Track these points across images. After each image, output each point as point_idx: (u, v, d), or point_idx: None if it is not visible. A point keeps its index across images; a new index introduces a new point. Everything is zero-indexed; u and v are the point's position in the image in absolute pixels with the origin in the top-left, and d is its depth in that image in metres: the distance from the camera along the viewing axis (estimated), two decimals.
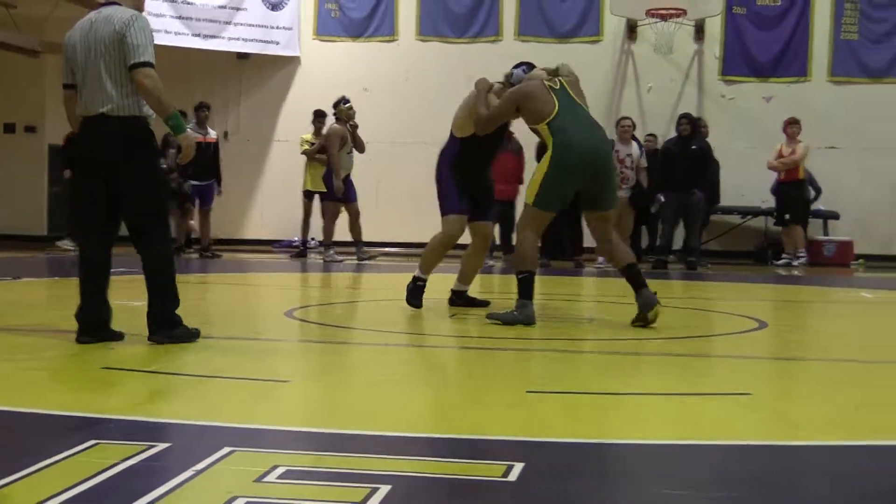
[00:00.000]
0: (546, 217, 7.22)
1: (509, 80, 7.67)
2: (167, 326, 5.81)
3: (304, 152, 14.93)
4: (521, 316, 7.02)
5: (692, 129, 14.33)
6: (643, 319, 7.00)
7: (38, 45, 15.83)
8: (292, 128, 16.78)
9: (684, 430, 4.02)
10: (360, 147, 14.26)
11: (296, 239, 16.11)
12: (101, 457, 3.28)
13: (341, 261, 14.26)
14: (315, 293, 11.26)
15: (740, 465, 3.52)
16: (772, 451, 3.70)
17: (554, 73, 7.44)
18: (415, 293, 7.86)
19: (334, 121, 14.17)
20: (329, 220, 14.48)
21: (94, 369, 5.13)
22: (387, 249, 16.73)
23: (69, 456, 3.29)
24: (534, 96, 7.22)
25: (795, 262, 14.91)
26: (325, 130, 14.46)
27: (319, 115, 15.08)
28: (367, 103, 17.13)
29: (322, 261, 14.35)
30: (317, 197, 14.92)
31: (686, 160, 14.05)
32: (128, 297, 7.05)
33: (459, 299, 8.07)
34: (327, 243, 14.53)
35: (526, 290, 7.06)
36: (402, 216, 16.79)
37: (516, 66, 7.72)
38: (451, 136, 7.82)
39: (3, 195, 17.58)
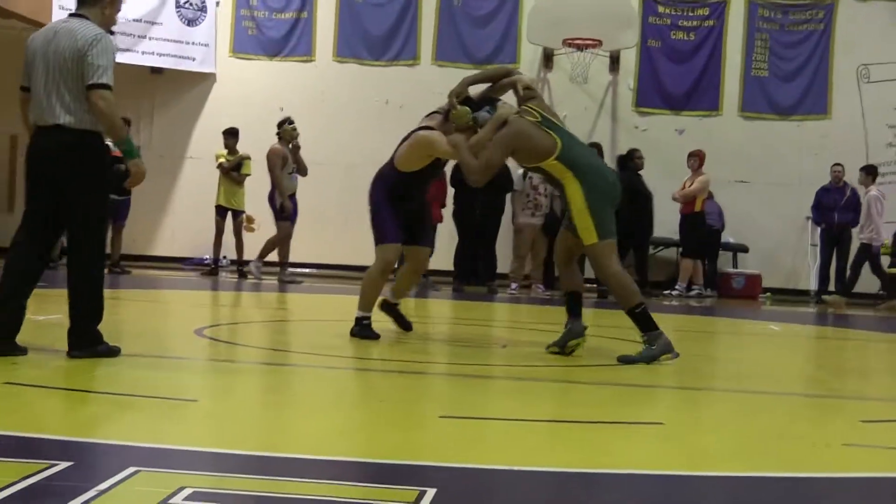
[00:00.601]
0: (615, 244, 6.87)
1: (456, 115, 7.19)
2: (90, 343, 5.72)
3: (219, 166, 14.76)
4: (662, 346, 6.72)
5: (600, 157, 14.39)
6: (561, 346, 6.98)
7: None
8: (206, 144, 16.58)
9: (595, 459, 4.02)
10: (303, 170, 14.07)
11: (207, 257, 15.90)
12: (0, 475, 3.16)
13: (301, 282, 14.05)
14: (226, 312, 11.11)
15: (649, 495, 3.53)
16: (680, 481, 3.71)
17: (522, 100, 7.07)
18: (364, 332, 7.41)
19: (277, 140, 13.96)
20: (284, 239, 14.22)
21: None
22: (300, 270, 16.59)
23: None
24: (527, 135, 6.84)
25: (684, 293, 15.05)
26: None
27: (231, 134, 14.95)
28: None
29: (278, 281, 14.04)
30: (229, 214, 14.76)
31: None
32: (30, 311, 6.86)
33: (390, 310, 7.88)
34: (284, 262, 14.29)
35: (649, 322, 6.75)
36: (315, 236, 16.68)
37: (478, 109, 7.14)
38: (391, 164, 7.50)
39: None
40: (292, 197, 14.05)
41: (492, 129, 6.95)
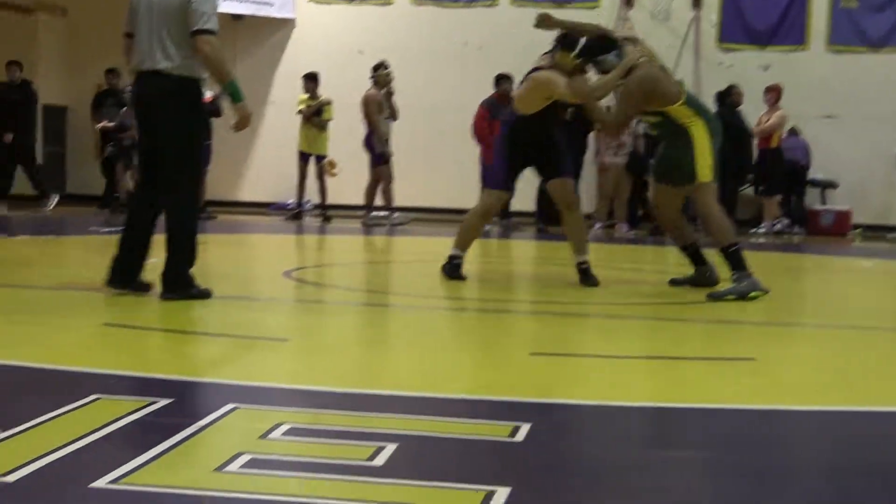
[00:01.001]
0: (716, 186, 7.06)
1: (561, 58, 7.01)
2: (182, 286, 5.82)
3: (299, 111, 14.84)
4: (751, 283, 6.69)
5: None
6: (699, 283, 7.05)
7: (31, 2, 15.66)
8: (287, 90, 16.64)
9: (687, 393, 4.00)
10: (395, 114, 14.09)
11: (290, 201, 16.02)
12: (104, 411, 3.24)
13: (406, 222, 14.15)
14: (312, 254, 11.21)
15: (743, 429, 3.51)
16: (774, 415, 3.68)
17: (634, 41, 7.10)
18: (453, 271, 7.33)
19: (371, 85, 13.99)
20: (384, 182, 14.27)
21: (96, 325, 5.10)
22: (381, 213, 16.66)
23: (71, 410, 3.25)
24: (660, 80, 6.89)
25: (771, 231, 14.75)
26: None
27: (311, 78, 14.98)
28: (361, 67, 17.03)
29: (388, 225, 14.14)
30: (312, 159, 14.85)
31: None
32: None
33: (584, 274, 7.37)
34: (391, 208, 14.35)
35: (741, 262, 6.76)
36: (396, 180, 16.74)
37: (605, 53, 6.97)
38: (513, 111, 7.33)
39: None
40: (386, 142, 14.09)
41: (620, 74, 6.89)
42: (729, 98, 14.48)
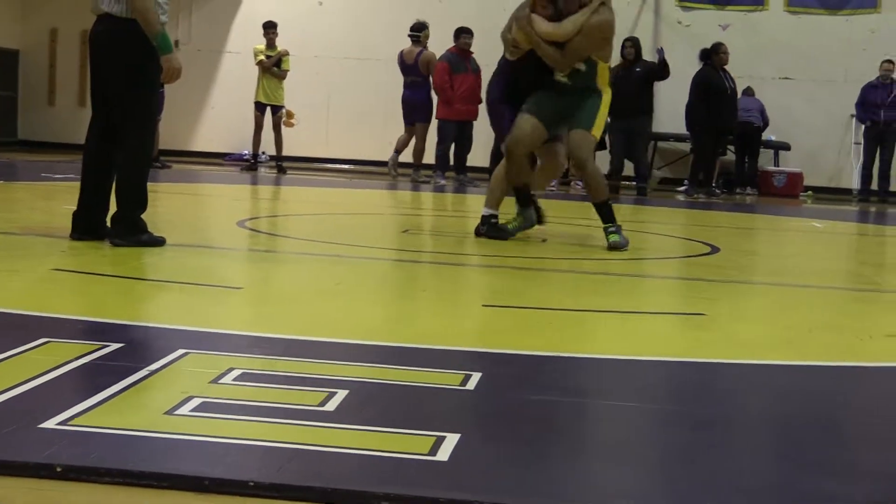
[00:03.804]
0: None
1: None
2: (132, 231, 5.77)
3: (258, 62, 14.72)
4: (623, 238, 6.94)
5: (636, 52, 14.14)
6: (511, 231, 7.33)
7: None
8: (245, 39, 16.50)
9: (638, 346, 4.03)
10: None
11: (246, 152, 15.93)
12: (54, 354, 3.22)
13: (442, 183, 14.17)
14: (266, 205, 11.16)
15: (690, 381, 3.56)
16: (722, 368, 3.73)
17: None
18: (495, 230, 7.32)
19: (412, 44, 14.30)
20: (420, 140, 14.36)
21: (45, 270, 5.05)
22: (336, 166, 16.61)
23: (20, 353, 3.22)
24: (614, 31, 7.09)
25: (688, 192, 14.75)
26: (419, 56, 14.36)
27: (270, 27, 14.88)
28: (320, 18, 16.91)
29: (413, 181, 14.22)
30: (268, 110, 14.75)
31: (629, 85, 13.89)
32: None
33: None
34: (419, 165, 14.45)
35: (611, 215, 7.01)
36: (351, 133, 16.69)
37: None
38: (503, 57, 7.34)
39: None
40: None
41: (587, 15, 6.85)
42: (715, 56, 14.41)
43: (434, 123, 14.32)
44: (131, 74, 5.77)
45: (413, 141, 14.44)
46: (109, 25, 5.75)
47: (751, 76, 15.67)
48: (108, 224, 5.84)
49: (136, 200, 5.82)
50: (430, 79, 14.13)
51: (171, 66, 5.79)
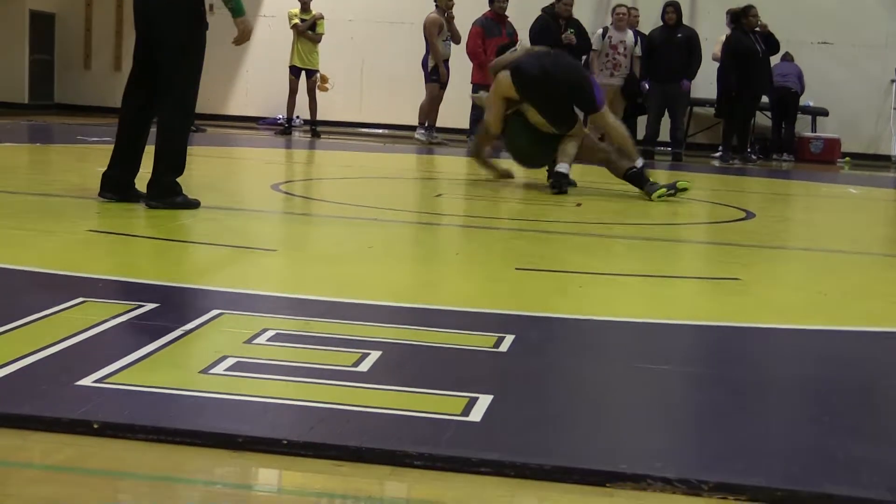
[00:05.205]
0: None
1: None
2: (167, 193, 5.79)
3: (293, 26, 14.70)
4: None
5: (677, 17, 14.05)
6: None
7: None
8: (279, 3, 16.47)
9: (671, 310, 4.02)
10: (457, 38, 14.26)
11: (280, 116, 15.93)
12: (90, 314, 3.25)
13: (443, 142, 14.29)
14: (301, 169, 11.18)
15: (724, 345, 3.55)
16: (758, 333, 3.71)
17: None
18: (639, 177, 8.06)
19: (434, 9, 14.21)
20: (428, 101, 14.39)
21: (82, 231, 5.08)
22: (371, 130, 16.59)
23: (57, 312, 3.25)
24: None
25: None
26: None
27: None
28: None
29: (420, 140, 14.26)
30: (303, 74, 14.74)
31: (670, 49, 13.78)
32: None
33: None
34: (429, 124, 14.47)
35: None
36: (385, 97, 16.65)
37: None
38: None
39: None
40: (446, 63, 14.20)
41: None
42: (745, 19, 14.19)
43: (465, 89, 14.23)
44: (185, 40, 5.77)
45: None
46: None
47: (789, 41, 15.47)
48: (144, 187, 5.86)
49: (175, 165, 5.84)
50: (429, 41, 14.06)
51: (246, 27, 5.92)
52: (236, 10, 5.85)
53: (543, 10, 13.63)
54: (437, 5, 14.26)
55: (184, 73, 5.85)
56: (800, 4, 15.87)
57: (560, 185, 7.88)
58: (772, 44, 14.37)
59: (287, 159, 12.02)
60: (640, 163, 8.11)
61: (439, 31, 14.08)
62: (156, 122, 5.90)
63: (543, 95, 7.91)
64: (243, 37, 5.96)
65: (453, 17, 14.23)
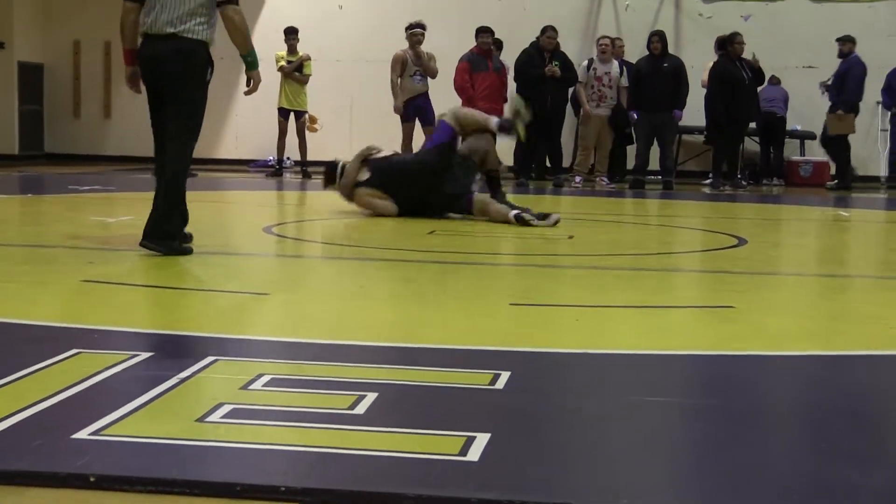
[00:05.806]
0: None
1: None
2: (163, 237, 5.81)
3: (280, 68, 14.76)
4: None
5: (662, 46, 14.14)
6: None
7: None
8: (267, 45, 16.53)
9: (667, 341, 4.02)
10: (429, 72, 13.80)
11: (271, 158, 15.98)
12: (85, 365, 3.24)
13: None
14: (292, 210, 11.19)
15: (720, 374, 3.54)
16: (753, 361, 3.71)
17: None
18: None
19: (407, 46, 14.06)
20: (403, 140, 14.26)
21: (75, 281, 5.08)
22: None
23: (52, 364, 3.25)
24: None
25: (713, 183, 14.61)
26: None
27: (291, 32, 14.91)
28: (341, 22, 16.95)
29: None
30: (292, 115, 14.78)
31: (657, 79, 13.86)
32: (106, 213, 6.97)
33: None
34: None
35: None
36: (375, 136, 16.65)
37: None
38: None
39: None
40: (419, 98, 13.87)
41: None
42: (731, 46, 14.28)
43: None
44: (195, 93, 5.92)
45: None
46: (176, 45, 5.85)
47: (775, 66, 15.56)
48: (144, 228, 5.86)
49: (169, 209, 5.85)
50: (393, 77, 13.90)
51: (259, 79, 6.27)
52: (253, 64, 6.15)
53: (532, 43, 13.72)
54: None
55: (191, 125, 5.96)
56: (783, 29, 15.97)
57: (538, 217, 8.00)
58: (758, 74, 14.47)
59: (279, 201, 12.04)
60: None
61: (402, 68, 13.74)
62: (164, 166, 5.92)
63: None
64: (255, 88, 6.28)
65: (423, 53, 13.79)
